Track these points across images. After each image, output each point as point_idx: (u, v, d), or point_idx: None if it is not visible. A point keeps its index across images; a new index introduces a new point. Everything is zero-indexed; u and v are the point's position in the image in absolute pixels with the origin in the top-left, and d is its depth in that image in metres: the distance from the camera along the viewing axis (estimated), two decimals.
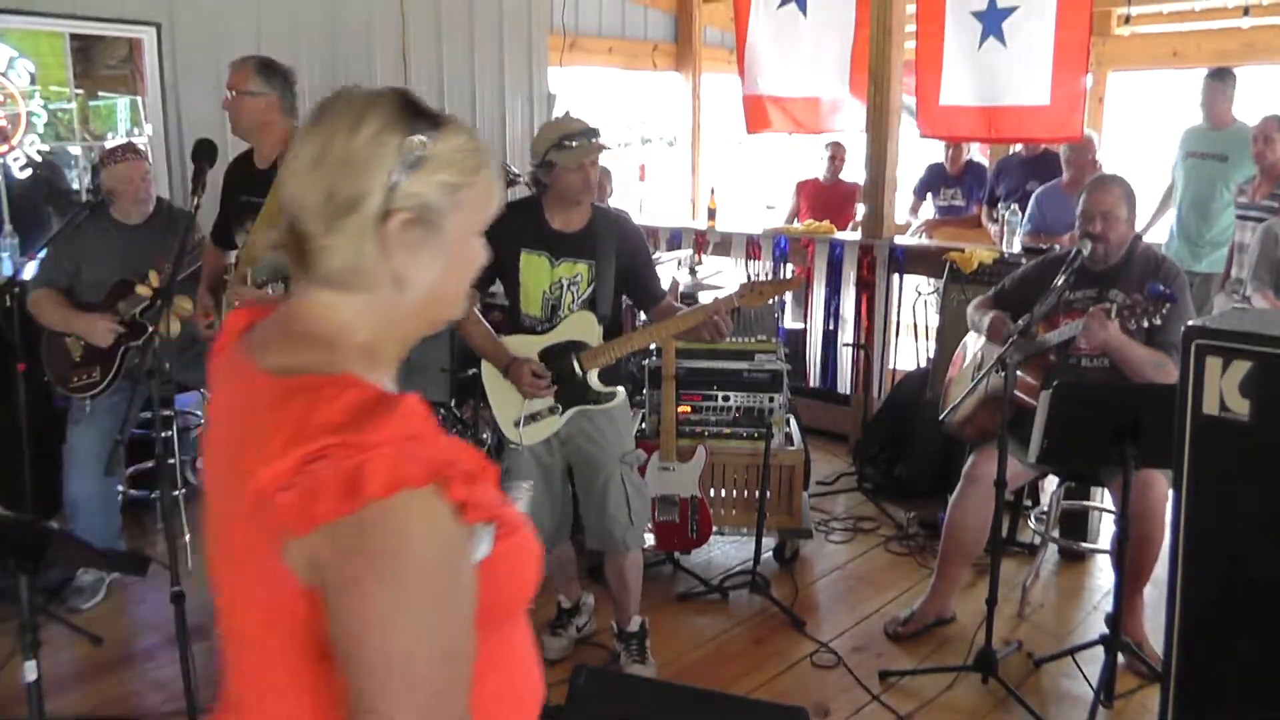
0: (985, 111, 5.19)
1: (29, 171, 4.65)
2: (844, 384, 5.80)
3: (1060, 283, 3.24)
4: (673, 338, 3.39)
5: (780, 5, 6.01)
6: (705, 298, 4.07)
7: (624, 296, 3.35)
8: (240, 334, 1.16)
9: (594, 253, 3.15)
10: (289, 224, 1.07)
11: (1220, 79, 5.62)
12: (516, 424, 3.17)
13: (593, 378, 3.17)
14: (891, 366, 5.64)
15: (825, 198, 7.01)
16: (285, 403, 0.99)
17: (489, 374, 3.20)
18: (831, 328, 5.76)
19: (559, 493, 3.32)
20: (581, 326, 3.17)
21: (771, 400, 4.12)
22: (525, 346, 3.15)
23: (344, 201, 1.03)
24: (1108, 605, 3.41)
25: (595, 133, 3.06)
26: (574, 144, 3.01)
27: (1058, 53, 4.80)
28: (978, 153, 7.83)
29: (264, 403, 1.02)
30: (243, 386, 1.09)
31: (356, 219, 1.03)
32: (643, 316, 4.26)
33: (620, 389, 3.24)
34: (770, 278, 3.25)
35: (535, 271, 3.14)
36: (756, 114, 6.42)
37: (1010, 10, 4.90)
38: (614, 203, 5.68)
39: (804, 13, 5.90)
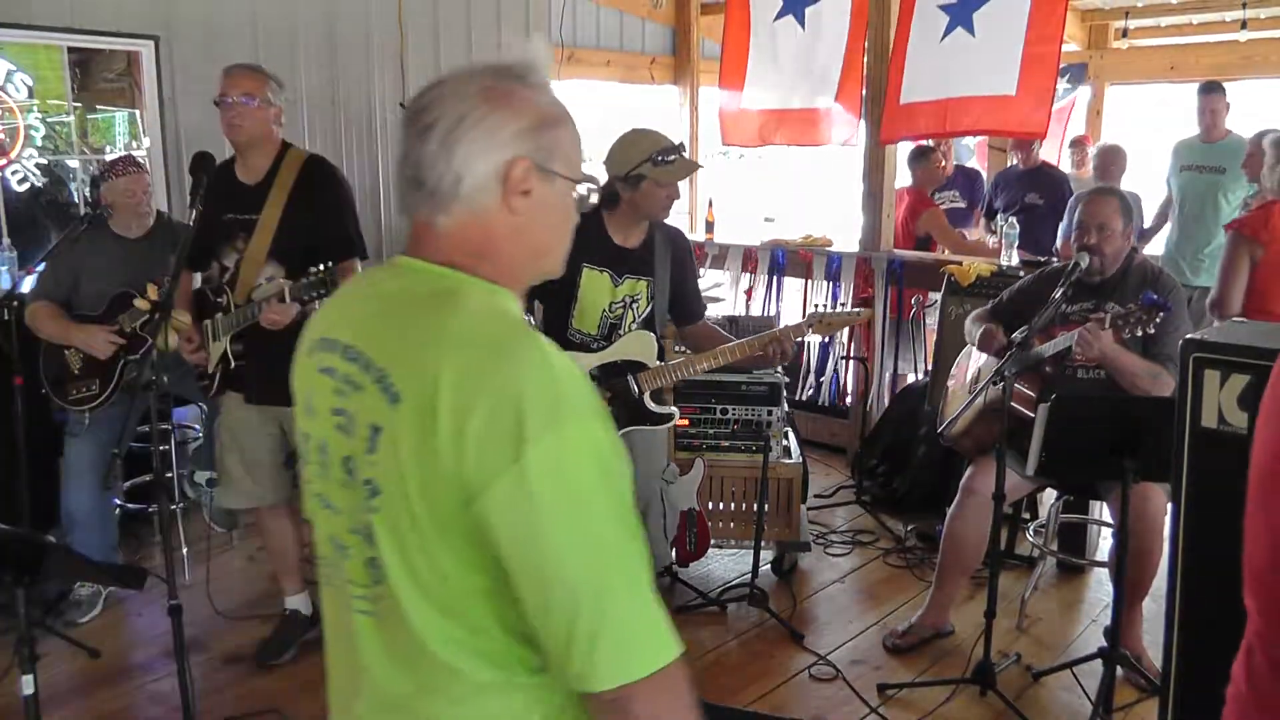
0: (940, 105, 5.09)
1: (28, 185, 4.65)
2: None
3: (1058, 295, 3.25)
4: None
5: (776, 18, 6.01)
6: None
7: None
8: None
9: (652, 269, 3.08)
10: None
11: (1213, 92, 5.63)
12: None
13: (648, 398, 3.11)
14: (890, 379, 5.65)
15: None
16: None
17: None
18: (829, 339, 5.77)
19: None
20: (640, 346, 3.10)
21: (770, 413, 4.11)
22: (578, 364, 3.09)
23: None
24: (1106, 618, 3.41)
25: (684, 148, 2.96)
26: (671, 159, 2.90)
27: (1029, 47, 4.73)
28: (976, 162, 7.86)
29: None
30: None
31: None
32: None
33: (674, 409, 3.18)
34: (836, 309, 3.23)
35: (597, 289, 3.05)
36: (740, 127, 6.41)
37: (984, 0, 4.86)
38: None
39: (802, 26, 5.90)
